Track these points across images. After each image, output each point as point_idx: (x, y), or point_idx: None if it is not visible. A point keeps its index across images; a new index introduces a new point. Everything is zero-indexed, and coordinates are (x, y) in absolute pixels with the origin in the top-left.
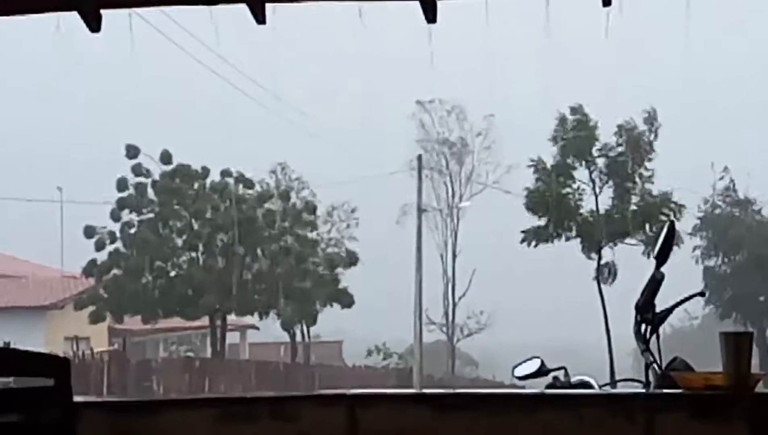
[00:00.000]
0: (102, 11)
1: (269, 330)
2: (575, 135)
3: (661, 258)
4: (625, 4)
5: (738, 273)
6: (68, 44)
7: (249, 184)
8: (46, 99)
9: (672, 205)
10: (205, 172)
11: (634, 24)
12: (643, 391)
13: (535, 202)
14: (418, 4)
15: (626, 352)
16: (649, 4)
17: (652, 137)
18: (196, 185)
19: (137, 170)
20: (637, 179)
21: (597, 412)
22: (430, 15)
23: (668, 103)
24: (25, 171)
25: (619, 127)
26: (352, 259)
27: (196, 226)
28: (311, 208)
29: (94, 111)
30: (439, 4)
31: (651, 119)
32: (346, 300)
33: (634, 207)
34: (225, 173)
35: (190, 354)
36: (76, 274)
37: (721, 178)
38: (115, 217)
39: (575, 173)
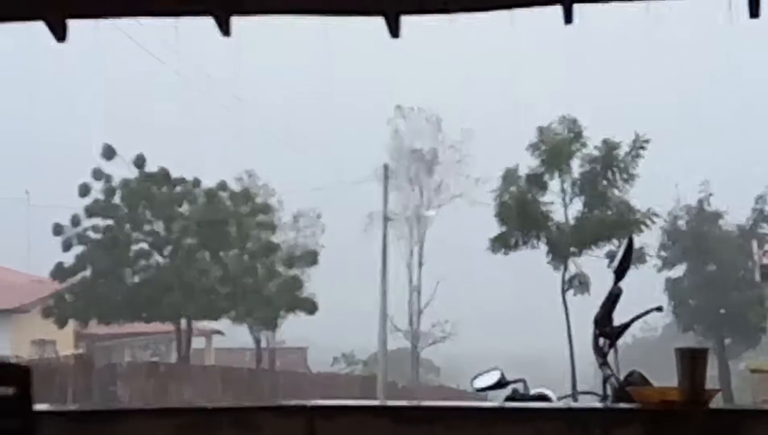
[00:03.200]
0: (68, 21)
1: (235, 335)
2: (553, 145)
3: (620, 273)
4: (587, 20)
5: (700, 285)
6: (36, 48)
7: (217, 188)
8: (13, 99)
9: (639, 219)
10: (172, 177)
11: (601, 39)
12: (600, 405)
13: (504, 210)
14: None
15: (589, 361)
16: (612, 20)
17: (632, 159)
18: (162, 190)
19: (98, 175)
20: (609, 193)
21: (554, 425)
22: (394, 30)
23: (642, 117)
24: None
25: (605, 142)
26: (312, 258)
27: (161, 231)
28: (268, 209)
29: (60, 114)
30: (403, 19)
31: (636, 142)
32: (309, 306)
33: (602, 219)
34: (191, 180)
35: (156, 359)
36: (43, 278)
37: (701, 192)
38: (75, 222)
39: (548, 184)
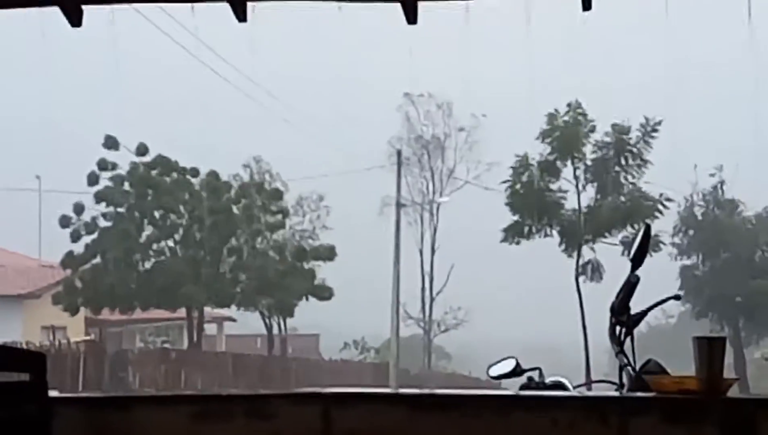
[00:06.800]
0: (84, 6)
1: (246, 322)
2: (563, 132)
3: (637, 261)
4: (604, 5)
5: (715, 273)
6: (50, 32)
7: (226, 177)
8: (26, 86)
9: (653, 205)
10: (180, 165)
11: (615, 22)
12: (617, 394)
13: (516, 199)
14: (399, 5)
15: (604, 349)
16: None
17: (643, 143)
18: (172, 177)
19: (103, 164)
20: (622, 179)
21: (570, 414)
22: (411, 16)
23: (656, 100)
24: (4, 159)
25: (614, 127)
26: (329, 254)
27: (172, 218)
28: (279, 195)
29: (73, 97)
30: (420, 5)
31: (646, 126)
32: (323, 293)
33: (615, 206)
34: (201, 168)
35: (167, 345)
36: (54, 264)
37: (713, 175)
38: (78, 210)
39: (560, 171)
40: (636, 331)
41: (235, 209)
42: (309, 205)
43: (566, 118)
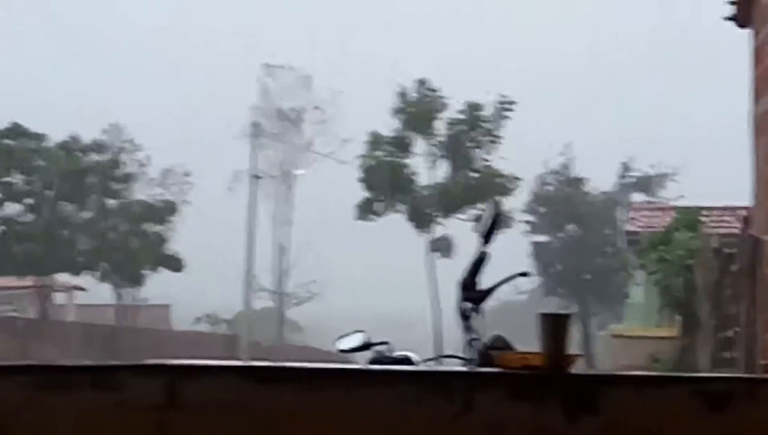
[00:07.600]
0: None
1: (97, 291)
2: (416, 109)
3: (486, 237)
4: None
5: (565, 250)
6: None
7: (76, 142)
8: None
9: (505, 182)
10: (34, 130)
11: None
12: (463, 369)
13: (369, 174)
14: None
15: (456, 324)
16: None
17: (497, 122)
18: (23, 143)
19: None
20: (475, 156)
21: (417, 389)
22: None
23: (517, 80)
24: None
25: (469, 104)
26: (171, 209)
27: (21, 185)
28: (118, 164)
29: None
30: None
31: (502, 104)
32: (174, 264)
33: (467, 183)
34: (47, 136)
35: (14, 314)
36: None
37: (562, 154)
38: None
39: (414, 147)
40: (487, 306)
41: (86, 176)
42: (173, 178)
43: (416, 95)
